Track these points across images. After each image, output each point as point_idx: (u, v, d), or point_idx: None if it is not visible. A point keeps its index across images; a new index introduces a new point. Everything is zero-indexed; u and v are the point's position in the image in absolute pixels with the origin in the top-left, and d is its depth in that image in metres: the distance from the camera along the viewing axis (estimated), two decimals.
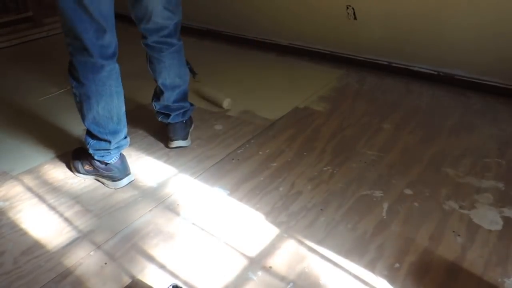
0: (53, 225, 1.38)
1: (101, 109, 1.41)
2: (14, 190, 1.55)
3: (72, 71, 1.38)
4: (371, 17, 2.35)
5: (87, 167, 1.57)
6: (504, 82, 2.12)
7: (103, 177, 1.55)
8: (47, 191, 1.53)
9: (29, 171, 1.64)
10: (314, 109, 2.05)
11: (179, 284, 1.11)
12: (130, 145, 1.80)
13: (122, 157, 1.55)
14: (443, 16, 2.13)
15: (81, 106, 1.42)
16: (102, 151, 1.50)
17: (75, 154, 1.63)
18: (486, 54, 2.10)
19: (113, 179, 1.53)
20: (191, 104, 1.80)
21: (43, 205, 1.47)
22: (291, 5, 2.59)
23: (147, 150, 1.77)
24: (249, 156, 1.71)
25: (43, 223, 1.39)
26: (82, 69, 1.35)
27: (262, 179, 1.57)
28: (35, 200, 1.49)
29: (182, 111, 1.73)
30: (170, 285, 1.03)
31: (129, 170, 1.57)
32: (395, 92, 2.21)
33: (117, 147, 1.52)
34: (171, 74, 1.64)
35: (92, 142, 1.49)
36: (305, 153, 1.72)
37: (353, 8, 2.37)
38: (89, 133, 1.48)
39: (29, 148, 1.79)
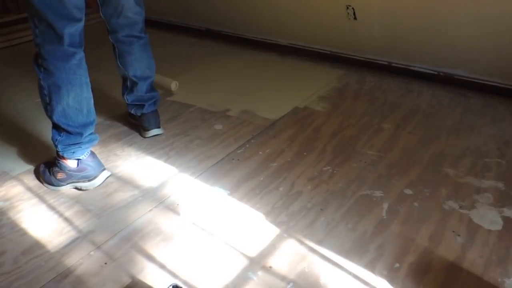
0: (53, 225, 1.38)
1: (71, 100, 1.41)
2: (14, 190, 1.55)
3: (40, 62, 1.37)
4: (371, 17, 2.35)
5: (59, 175, 1.51)
6: (504, 82, 2.12)
7: (78, 180, 1.51)
8: (47, 191, 1.53)
9: (29, 171, 1.64)
10: (314, 109, 2.05)
11: (179, 284, 1.11)
12: (130, 145, 1.81)
13: (92, 154, 1.54)
14: (443, 16, 2.13)
15: (50, 98, 1.40)
16: (73, 146, 1.47)
17: (42, 169, 1.57)
18: (486, 54, 2.10)
19: (89, 178, 1.51)
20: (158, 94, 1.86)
21: (43, 205, 1.47)
22: (291, 5, 2.59)
23: (147, 150, 1.77)
24: (249, 156, 1.71)
25: (43, 223, 1.39)
26: (51, 58, 1.35)
27: (262, 179, 1.57)
28: (35, 200, 1.49)
29: (153, 100, 1.81)
30: (170, 285, 1.03)
31: (103, 165, 1.56)
32: (395, 92, 2.21)
33: (89, 141, 1.51)
34: (142, 66, 1.71)
35: (60, 138, 1.46)
36: (305, 153, 1.72)
37: (353, 8, 2.37)
38: (57, 127, 1.46)
39: (30, 148, 1.79)
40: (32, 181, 1.59)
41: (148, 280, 1.17)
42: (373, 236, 1.30)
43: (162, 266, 1.21)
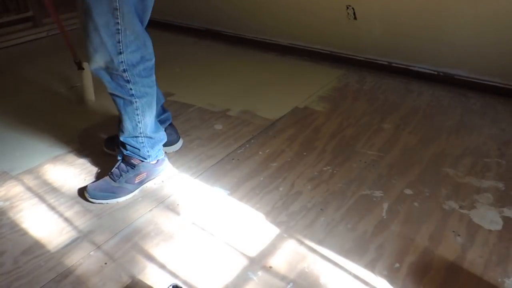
0: (53, 225, 1.38)
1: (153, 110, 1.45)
2: (14, 190, 1.55)
3: (135, 88, 1.34)
4: (371, 17, 2.35)
5: (138, 178, 1.50)
6: (504, 82, 2.12)
7: (151, 179, 1.55)
8: (47, 191, 1.53)
9: (29, 171, 1.64)
10: (314, 109, 2.05)
11: (179, 284, 1.11)
12: None
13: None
14: (443, 16, 2.13)
15: (143, 117, 1.42)
16: (160, 150, 1.54)
17: (104, 186, 1.48)
18: (486, 54, 2.10)
19: (164, 165, 1.58)
20: None
21: (43, 205, 1.47)
22: (291, 5, 2.59)
23: None
24: (249, 156, 1.71)
25: (43, 223, 1.39)
26: (147, 76, 1.36)
27: (262, 179, 1.57)
28: (35, 200, 1.49)
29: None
30: (170, 285, 1.03)
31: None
32: (395, 92, 2.21)
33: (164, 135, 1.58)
34: None
35: (152, 150, 1.50)
36: (305, 153, 1.72)
37: (353, 8, 2.37)
38: (148, 141, 1.48)
39: (29, 148, 1.79)
40: (32, 181, 1.59)
41: (148, 280, 1.17)
42: (373, 236, 1.30)
43: (162, 266, 1.21)
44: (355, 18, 2.39)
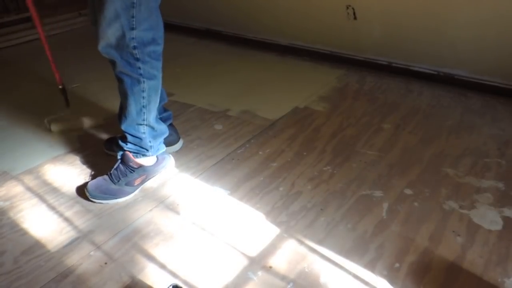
0: (53, 225, 1.38)
1: (157, 98, 1.43)
2: (14, 190, 1.55)
3: (144, 67, 1.33)
4: (371, 17, 2.35)
5: (137, 181, 1.47)
6: (504, 82, 2.12)
7: (157, 173, 1.54)
8: (47, 191, 1.53)
9: (29, 171, 1.64)
10: (314, 109, 2.05)
11: (179, 284, 1.11)
12: None
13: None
14: (443, 16, 2.13)
15: (149, 102, 1.39)
16: (161, 143, 1.52)
17: (104, 187, 1.45)
18: (486, 54, 2.10)
19: (164, 162, 1.55)
20: None
21: (43, 205, 1.47)
22: (291, 5, 2.59)
23: None
24: (249, 156, 1.71)
25: (43, 223, 1.39)
26: (156, 59, 1.37)
27: (262, 179, 1.57)
28: (35, 200, 1.49)
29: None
30: (170, 285, 1.03)
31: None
32: (395, 92, 2.21)
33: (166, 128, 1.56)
34: None
35: (154, 141, 1.48)
36: (305, 153, 1.72)
37: (353, 8, 2.37)
38: (150, 131, 1.45)
39: (29, 148, 1.79)
40: (32, 181, 1.59)
41: (148, 280, 1.17)
42: (373, 236, 1.30)
43: (162, 266, 1.21)
44: (355, 18, 2.39)
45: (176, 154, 1.74)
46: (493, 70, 2.13)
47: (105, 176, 1.49)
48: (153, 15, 1.27)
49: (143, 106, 1.39)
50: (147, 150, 1.48)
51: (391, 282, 1.15)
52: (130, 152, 1.47)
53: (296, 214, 1.40)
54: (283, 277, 1.17)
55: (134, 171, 1.46)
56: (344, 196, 1.48)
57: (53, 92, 2.28)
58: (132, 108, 1.39)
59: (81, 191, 1.50)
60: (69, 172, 1.63)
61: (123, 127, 1.44)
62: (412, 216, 1.38)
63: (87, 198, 1.46)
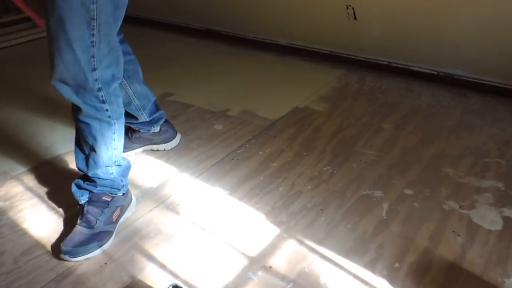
0: (53, 225, 1.38)
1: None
2: (14, 190, 1.55)
3: (111, 108, 1.20)
4: (371, 17, 2.35)
5: (115, 215, 1.32)
6: (504, 82, 2.12)
7: (123, 214, 1.37)
8: (47, 191, 1.53)
9: (29, 171, 1.64)
10: (314, 109, 2.05)
11: (179, 284, 1.10)
12: None
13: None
14: (443, 16, 2.13)
15: (119, 143, 1.27)
16: (127, 175, 1.38)
17: (86, 236, 1.26)
18: (486, 54, 2.10)
19: (129, 195, 1.42)
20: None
21: (43, 205, 1.47)
22: (291, 5, 2.59)
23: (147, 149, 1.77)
24: (249, 156, 1.71)
25: (43, 223, 1.39)
26: (119, 95, 1.24)
27: (262, 179, 1.57)
28: (35, 200, 1.49)
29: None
30: (170, 285, 1.03)
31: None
32: (395, 92, 2.21)
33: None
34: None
35: (124, 179, 1.34)
36: (305, 153, 1.72)
37: (353, 8, 2.37)
38: (117, 169, 1.32)
39: (29, 148, 1.79)
40: (32, 181, 1.59)
41: (148, 280, 1.17)
42: (373, 236, 1.30)
43: (162, 266, 1.21)
44: (355, 18, 2.39)
45: (176, 154, 1.74)
46: (493, 70, 2.13)
47: (76, 229, 1.27)
48: (113, 49, 1.14)
49: (114, 149, 1.26)
50: (119, 189, 1.33)
51: (391, 282, 1.15)
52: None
53: (296, 214, 1.40)
54: (283, 277, 1.17)
55: (108, 204, 1.30)
56: (344, 196, 1.48)
57: (53, 92, 2.28)
58: (103, 153, 1.25)
59: (57, 254, 1.27)
60: (69, 172, 1.63)
61: (90, 173, 1.27)
62: (412, 216, 1.38)
63: (65, 260, 1.24)
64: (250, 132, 1.88)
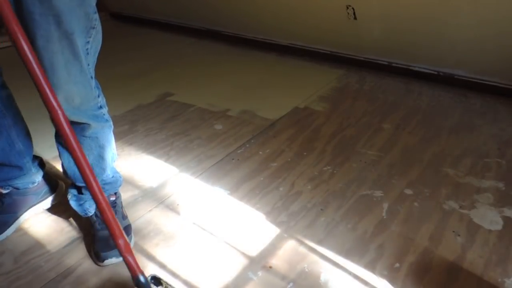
0: (53, 225, 1.38)
1: None
2: None
3: (106, 111, 1.21)
4: (371, 17, 2.35)
5: (124, 212, 1.36)
6: (504, 82, 2.12)
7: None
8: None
9: None
10: (314, 109, 2.05)
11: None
12: (129, 144, 1.80)
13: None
14: (443, 16, 2.13)
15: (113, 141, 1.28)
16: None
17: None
18: (486, 54, 2.10)
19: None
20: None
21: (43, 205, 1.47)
22: (291, 5, 2.59)
23: (147, 149, 1.77)
24: (249, 156, 1.71)
25: (43, 223, 1.39)
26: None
27: (262, 179, 1.57)
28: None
29: None
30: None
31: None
32: (395, 92, 2.21)
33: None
34: None
35: (118, 172, 1.35)
36: (305, 153, 1.72)
37: (353, 8, 2.37)
38: (113, 168, 1.32)
39: None
40: None
41: (148, 280, 1.17)
42: (373, 236, 1.30)
43: (162, 266, 1.21)
44: (355, 18, 2.39)
45: (176, 154, 1.74)
46: (493, 70, 2.13)
47: (102, 233, 1.25)
48: (96, 53, 1.10)
49: (113, 148, 1.29)
50: (119, 185, 1.35)
51: (391, 282, 1.15)
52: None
53: (296, 214, 1.40)
54: (283, 277, 1.17)
55: (116, 203, 1.33)
56: (344, 196, 1.48)
57: None
58: (108, 157, 1.25)
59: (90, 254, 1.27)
60: None
61: (101, 181, 1.27)
62: (412, 216, 1.38)
63: (98, 265, 1.22)
64: (250, 132, 1.88)
